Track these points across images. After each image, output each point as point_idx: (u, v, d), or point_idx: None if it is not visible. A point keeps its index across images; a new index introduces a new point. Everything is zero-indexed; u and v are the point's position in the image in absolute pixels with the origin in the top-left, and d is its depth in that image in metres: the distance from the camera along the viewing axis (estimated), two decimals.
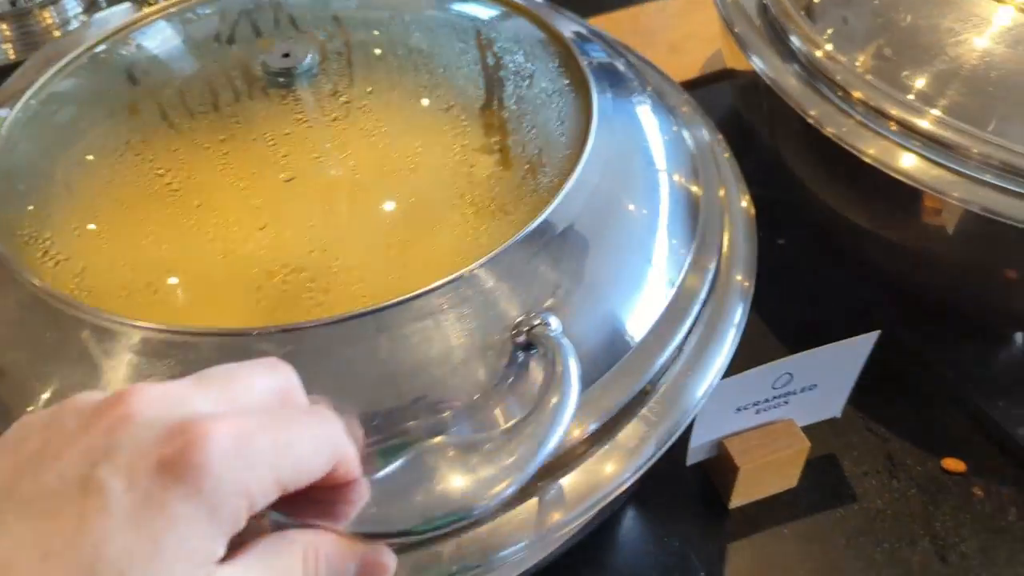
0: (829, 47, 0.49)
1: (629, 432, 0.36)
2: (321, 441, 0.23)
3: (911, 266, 0.51)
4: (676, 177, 0.44)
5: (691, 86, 0.73)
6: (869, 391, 0.47)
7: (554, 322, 0.34)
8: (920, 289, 0.54)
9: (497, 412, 0.33)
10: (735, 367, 0.40)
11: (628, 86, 0.46)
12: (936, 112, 0.44)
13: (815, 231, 0.60)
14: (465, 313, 0.34)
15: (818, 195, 0.53)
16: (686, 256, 0.41)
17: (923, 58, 0.46)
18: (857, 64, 0.48)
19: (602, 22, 0.80)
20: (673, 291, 0.40)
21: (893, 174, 0.45)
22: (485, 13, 0.49)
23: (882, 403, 0.53)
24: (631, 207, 0.41)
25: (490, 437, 0.30)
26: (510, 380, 0.34)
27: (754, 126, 0.58)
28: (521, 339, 0.34)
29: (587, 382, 0.35)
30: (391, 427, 0.32)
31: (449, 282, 0.34)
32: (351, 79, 0.44)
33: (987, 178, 0.43)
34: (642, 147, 0.43)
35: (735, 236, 0.44)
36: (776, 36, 0.53)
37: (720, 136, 0.49)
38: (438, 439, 0.29)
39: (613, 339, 0.37)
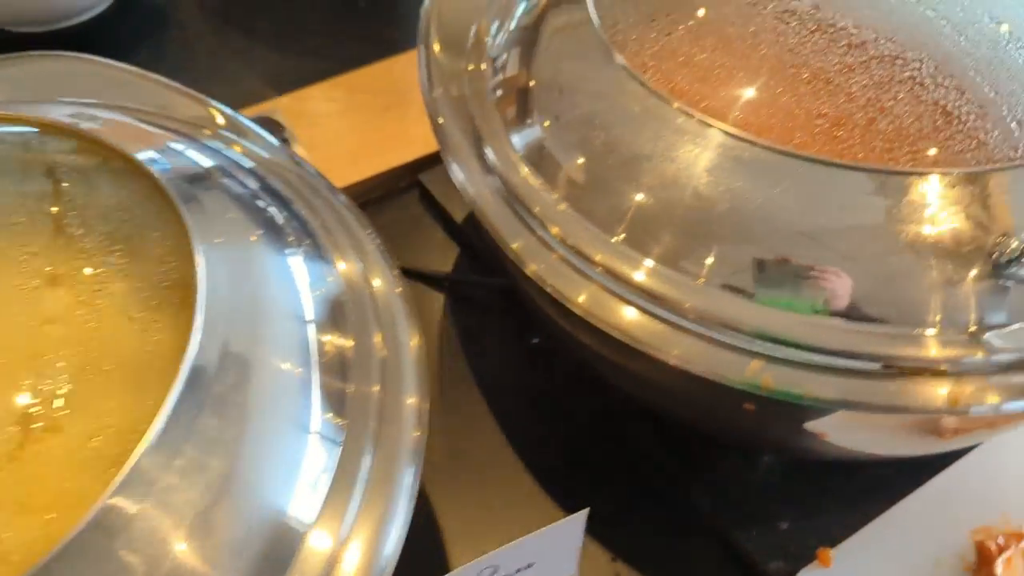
0: (529, 168, 0.42)
1: None
2: None
3: (652, 393, 0.46)
4: (322, 335, 0.37)
5: None
6: (619, 525, 0.42)
7: None
8: (667, 413, 0.49)
9: None
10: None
11: (260, 230, 0.39)
12: (646, 260, 0.38)
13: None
14: None
15: (544, 310, 0.47)
16: (340, 431, 0.35)
17: (631, 190, 0.39)
18: (558, 194, 0.41)
19: (356, 77, 0.72)
20: (328, 479, 0.34)
21: (604, 328, 0.39)
22: (62, 170, 0.39)
23: (634, 538, 0.48)
24: (262, 383, 0.34)
25: None
26: None
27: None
28: None
29: None
30: None
31: None
32: None
33: (705, 331, 0.37)
34: (272, 308, 0.36)
35: (401, 385, 0.38)
36: (477, 141, 0.46)
37: (395, 272, 0.42)
38: None
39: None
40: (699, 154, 0.38)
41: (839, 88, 0.38)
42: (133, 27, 0.80)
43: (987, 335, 0.37)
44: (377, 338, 0.39)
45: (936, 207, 0.36)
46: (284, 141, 0.62)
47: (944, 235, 0.36)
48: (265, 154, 0.46)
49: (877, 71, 0.38)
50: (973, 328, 0.37)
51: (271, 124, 0.63)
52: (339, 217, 0.44)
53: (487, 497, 0.50)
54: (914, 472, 0.48)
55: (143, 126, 0.42)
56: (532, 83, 0.44)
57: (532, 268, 0.41)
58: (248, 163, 0.43)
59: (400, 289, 0.41)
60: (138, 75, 0.50)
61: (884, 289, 0.36)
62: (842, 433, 0.42)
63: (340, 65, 0.73)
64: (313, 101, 0.69)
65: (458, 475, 0.50)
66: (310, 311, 0.38)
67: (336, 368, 0.37)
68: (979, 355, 0.36)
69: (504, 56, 0.46)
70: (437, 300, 0.59)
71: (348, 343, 0.38)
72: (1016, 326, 0.37)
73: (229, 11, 0.81)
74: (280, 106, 0.68)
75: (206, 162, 0.41)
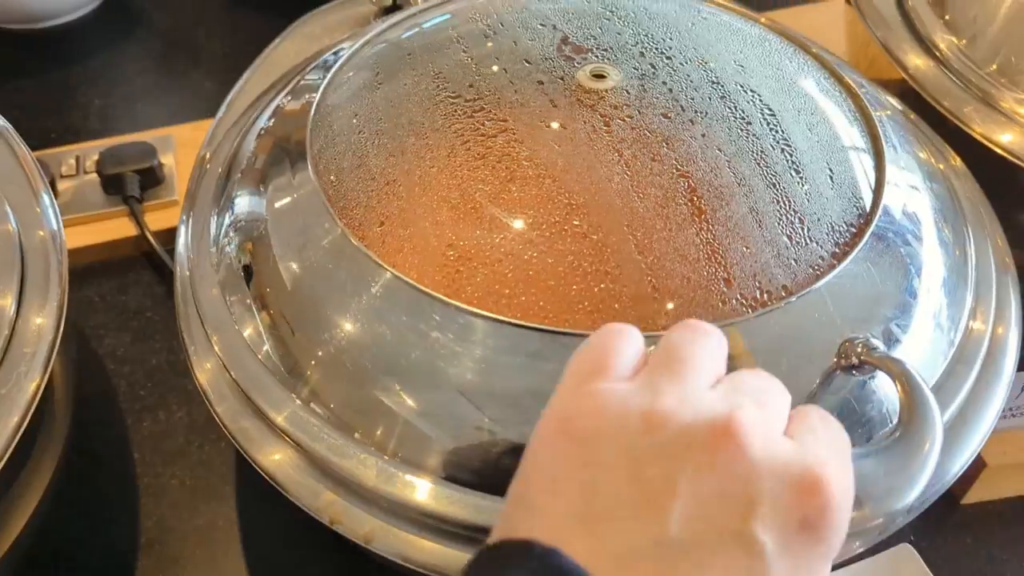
0: (217, 283, 0.41)
1: None
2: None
3: None
4: None
5: None
6: None
7: None
8: None
9: None
10: None
11: None
12: (326, 429, 0.36)
13: None
14: None
15: None
16: None
17: (308, 334, 0.37)
18: (248, 325, 0.39)
19: None
20: None
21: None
22: None
23: None
24: None
25: None
26: None
27: None
28: None
29: None
30: None
31: None
32: None
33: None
34: None
35: None
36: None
37: (60, 322, 0.41)
38: None
39: None
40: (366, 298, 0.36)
41: (496, 226, 0.36)
42: (111, 31, 0.85)
43: None
44: None
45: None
46: (151, 168, 0.64)
47: None
48: None
49: (532, 213, 0.36)
50: None
51: (146, 148, 0.65)
52: (43, 274, 0.43)
53: None
54: None
55: None
56: (241, 191, 0.44)
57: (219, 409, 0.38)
58: None
59: (52, 338, 0.41)
60: None
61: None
62: None
63: None
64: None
65: None
66: None
67: None
68: None
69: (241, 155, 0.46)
70: None
71: None
72: None
73: (189, 30, 0.85)
74: (178, 132, 0.70)
75: None
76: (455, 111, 0.39)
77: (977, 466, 0.47)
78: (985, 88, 0.57)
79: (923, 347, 0.37)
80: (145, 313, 0.60)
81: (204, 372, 0.40)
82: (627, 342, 0.27)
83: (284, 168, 0.41)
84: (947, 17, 0.61)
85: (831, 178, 0.39)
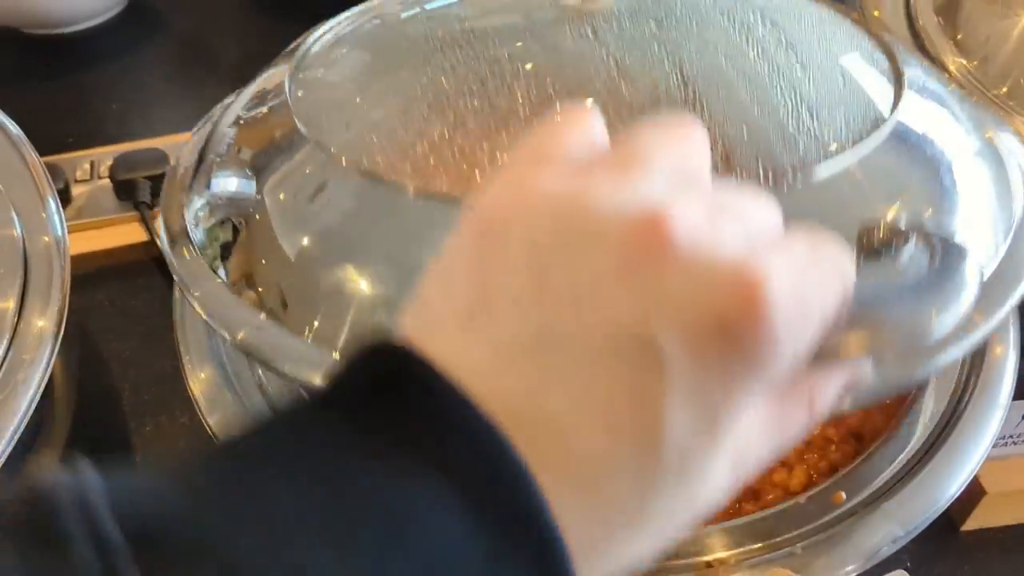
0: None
1: None
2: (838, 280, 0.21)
3: None
4: None
5: None
6: None
7: None
8: None
9: None
10: None
11: None
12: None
13: None
14: None
15: None
16: None
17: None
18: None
19: None
20: None
21: None
22: None
23: None
24: None
25: None
26: None
27: None
28: None
29: None
30: None
31: None
32: None
33: None
34: None
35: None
36: None
37: (58, 327, 0.42)
38: None
39: None
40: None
41: (471, 116, 0.35)
42: (131, 37, 0.86)
43: None
44: None
45: None
46: (163, 175, 0.65)
47: None
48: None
49: (509, 102, 0.35)
50: None
51: (158, 155, 0.66)
52: (46, 279, 0.44)
53: None
54: None
55: None
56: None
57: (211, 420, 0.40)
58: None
59: (52, 342, 0.42)
60: None
61: None
62: None
63: None
64: None
65: None
66: None
67: None
68: None
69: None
70: None
71: None
72: None
73: (208, 37, 0.86)
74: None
75: None
76: (435, 32, 0.39)
77: (976, 493, 0.46)
78: (994, 111, 0.57)
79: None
80: (153, 318, 0.61)
81: (198, 382, 0.41)
82: (579, 129, 0.22)
83: (266, 120, 0.40)
84: (958, 38, 0.61)
85: (843, 79, 0.37)
